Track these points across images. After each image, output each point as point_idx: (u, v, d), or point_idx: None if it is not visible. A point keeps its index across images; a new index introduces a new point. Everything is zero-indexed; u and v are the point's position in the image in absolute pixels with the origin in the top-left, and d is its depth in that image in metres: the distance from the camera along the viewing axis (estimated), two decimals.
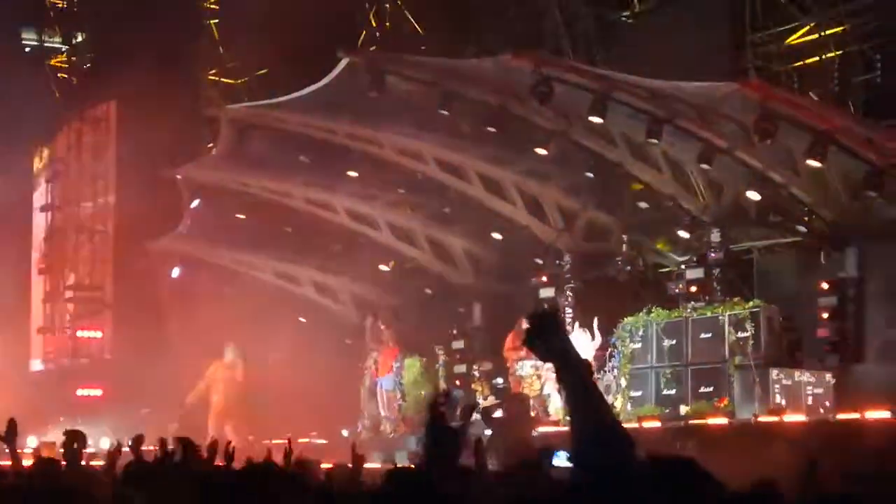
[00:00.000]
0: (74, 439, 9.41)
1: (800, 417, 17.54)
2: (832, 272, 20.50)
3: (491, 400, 22.37)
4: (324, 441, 23.72)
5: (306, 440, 22.36)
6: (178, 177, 26.64)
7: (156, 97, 30.81)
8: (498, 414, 21.29)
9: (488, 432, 18.36)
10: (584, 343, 20.38)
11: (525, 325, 3.68)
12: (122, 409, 26.93)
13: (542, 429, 19.64)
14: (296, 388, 25.35)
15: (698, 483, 3.83)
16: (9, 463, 8.72)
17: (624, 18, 26.64)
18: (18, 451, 8.56)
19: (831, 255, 20.58)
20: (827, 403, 18.22)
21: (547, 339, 3.58)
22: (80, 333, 35.65)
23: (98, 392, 32.90)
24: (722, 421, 17.84)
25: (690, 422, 18.04)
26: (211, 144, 27.69)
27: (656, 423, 18.36)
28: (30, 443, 23.10)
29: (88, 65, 37.25)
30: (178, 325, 28.33)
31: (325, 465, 10.92)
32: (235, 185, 26.60)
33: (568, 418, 3.47)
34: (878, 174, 18.13)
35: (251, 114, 25.10)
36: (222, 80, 33.32)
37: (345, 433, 24.59)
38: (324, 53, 21.76)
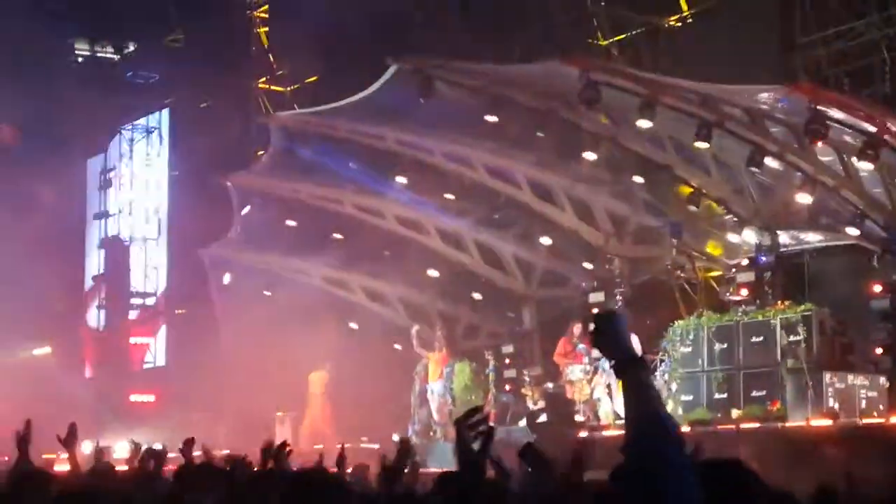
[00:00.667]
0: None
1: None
2: (884, 275, 20.33)
3: (540, 405, 22.37)
4: (376, 445, 23.81)
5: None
6: (229, 184, 26.86)
7: (207, 105, 31.13)
8: (542, 419, 21.28)
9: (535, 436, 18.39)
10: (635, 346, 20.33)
11: (590, 328, 3.71)
12: (175, 415, 27.18)
13: (585, 433, 19.67)
14: (347, 394, 25.46)
15: (745, 484, 3.85)
16: (67, 468, 8.82)
17: (672, 23, 26.58)
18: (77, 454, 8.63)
19: (883, 257, 20.41)
20: (881, 407, 18.06)
21: (609, 340, 3.60)
22: (133, 340, 36.06)
23: (151, 398, 33.23)
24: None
25: (742, 426, 17.94)
26: (261, 151, 27.90)
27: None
28: (84, 448, 23.36)
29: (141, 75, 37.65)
30: (229, 331, 28.55)
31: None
32: (285, 192, 26.79)
33: (623, 415, 3.50)
34: None
35: (301, 121, 25.29)
36: (272, 87, 33.55)
37: (396, 438, 24.66)
38: (373, 60, 21.89)
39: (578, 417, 21.18)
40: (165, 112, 36.43)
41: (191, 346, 30.11)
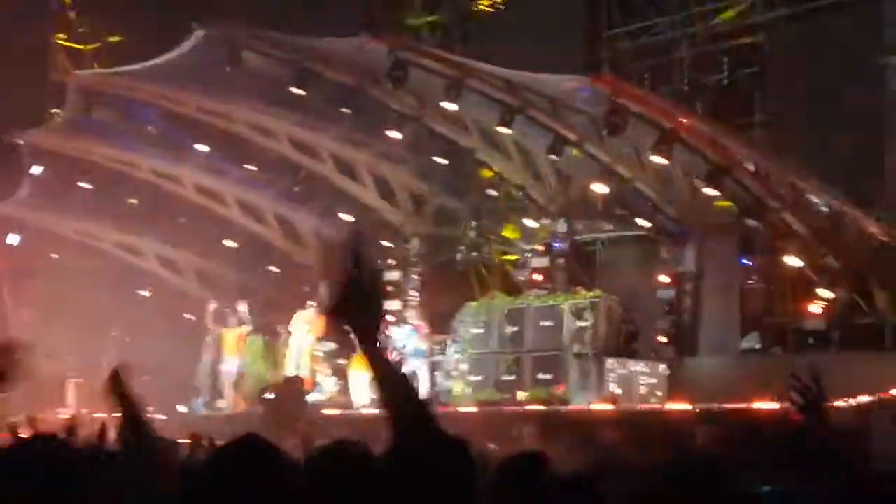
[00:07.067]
0: None
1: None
2: (671, 266, 21.04)
3: (334, 382, 22.41)
4: (162, 416, 23.34)
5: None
6: (20, 141, 25.85)
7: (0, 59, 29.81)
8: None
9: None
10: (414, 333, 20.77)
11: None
12: None
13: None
14: (134, 362, 24.83)
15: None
16: None
17: (484, 7, 26.88)
18: None
19: (671, 249, 21.10)
20: (659, 393, 18.66)
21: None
22: None
23: None
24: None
25: (527, 407, 18.28)
26: (56, 110, 26.96)
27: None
28: None
29: None
30: (13, 294, 27.54)
31: None
32: (80, 154, 25.94)
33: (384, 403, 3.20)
34: (719, 173, 18.63)
35: (100, 81, 24.56)
36: (72, 44, 32.44)
37: (181, 409, 24.25)
38: (178, 23, 21.39)
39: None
40: None
41: None
